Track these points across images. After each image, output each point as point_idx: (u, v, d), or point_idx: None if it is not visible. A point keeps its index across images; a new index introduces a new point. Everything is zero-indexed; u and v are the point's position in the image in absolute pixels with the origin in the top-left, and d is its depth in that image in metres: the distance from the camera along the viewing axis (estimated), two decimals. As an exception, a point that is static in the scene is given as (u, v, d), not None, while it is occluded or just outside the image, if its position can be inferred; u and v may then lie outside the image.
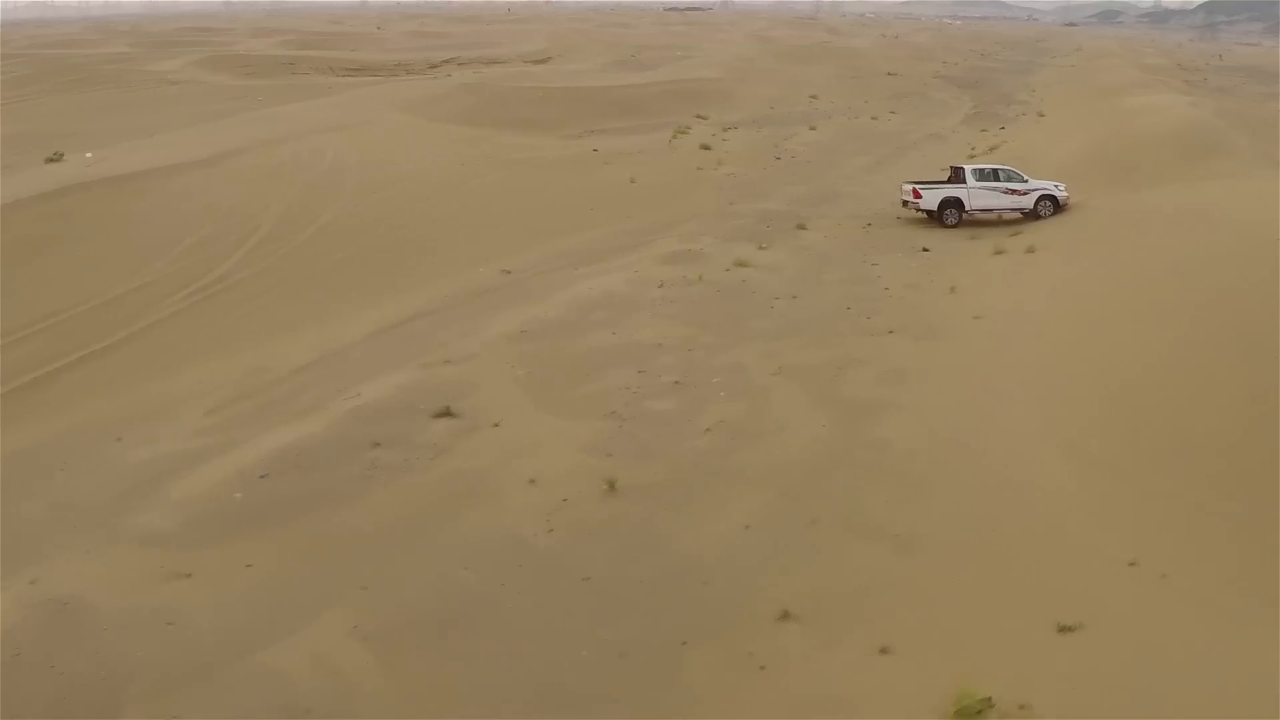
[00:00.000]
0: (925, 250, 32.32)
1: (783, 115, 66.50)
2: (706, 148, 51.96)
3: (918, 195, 35.77)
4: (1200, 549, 14.82)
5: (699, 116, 63.79)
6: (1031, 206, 35.70)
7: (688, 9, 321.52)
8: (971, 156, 49.21)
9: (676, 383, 21.96)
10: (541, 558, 15.24)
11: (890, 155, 51.29)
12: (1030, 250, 30.81)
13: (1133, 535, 15.18)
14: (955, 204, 35.53)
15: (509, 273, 32.05)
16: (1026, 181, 36.00)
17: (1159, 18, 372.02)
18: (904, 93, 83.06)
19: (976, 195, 35.73)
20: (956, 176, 36.33)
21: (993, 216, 35.88)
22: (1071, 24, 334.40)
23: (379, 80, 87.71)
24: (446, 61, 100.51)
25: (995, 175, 36.11)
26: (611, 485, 17.19)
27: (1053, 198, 35.88)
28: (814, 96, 75.50)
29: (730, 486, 17.39)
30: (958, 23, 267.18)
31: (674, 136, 55.33)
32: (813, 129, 60.20)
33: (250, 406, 22.51)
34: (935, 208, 35.64)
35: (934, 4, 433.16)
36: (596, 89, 66.75)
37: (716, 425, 19.72)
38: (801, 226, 35.04)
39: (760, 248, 32.64)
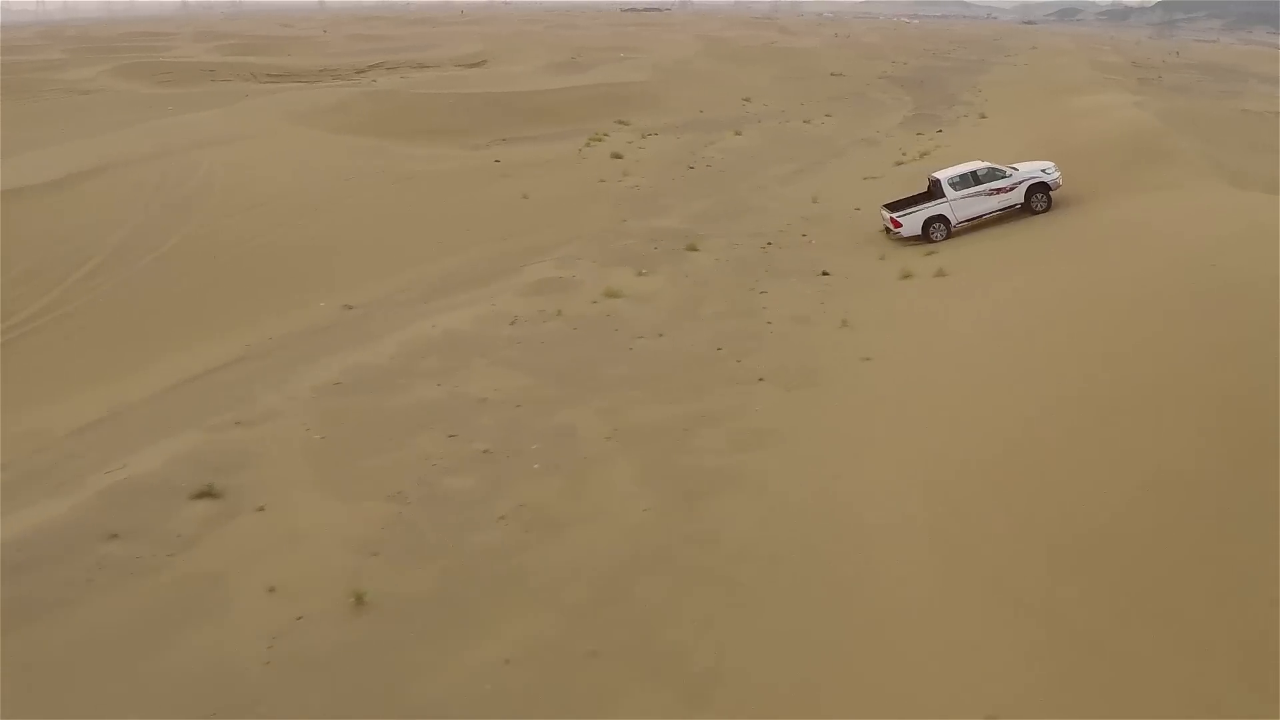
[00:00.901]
0: (825, 274, 28.88)
1: (710, 120, 63.02)
2: (618, 156, 48.49)
3: (897, 225, 32.58)
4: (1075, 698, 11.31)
5: (620, 122, 60.35)
6: (1023, 200, 32.68)
7: (646, 9, 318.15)
8: (899, 164, 45.88)
9: (486, 451, 18.49)
10: (245, 700, 11.92)
11: (814, 163, 47.85)
12: (940, 274, 27.43)
13: (1002, 683, 11.64)
14: (939, 221, 32.44)
15: (351, 308, 28.52)
16: (1010, 175, 32.73)
17: (1118, 15, 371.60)
18: (845, 94, 79.75)
19: (960, 206, 32.63)
20: (934, 190, 33.00)
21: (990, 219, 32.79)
22: (1030, 22, 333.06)
23: (301, 86, 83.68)
24: (374, 66, 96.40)
25: (974, 179, 32.81)
26: (359, 599, 13.82)
27: (1044, 185, 32.66)
28: (747, 99, 72.06)
29: (506, 601, 13.92)
30: (915, 22, 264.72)
31: (587, 145, 51.90)
32: (738, 134, 56.75)
33: (7, 479, 18.94)
34: (920, 231, 32.40)
35: (893, 3, 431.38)
36: (515, 94, 63.07)
37: (515, 511, 16.23)
38: (692, 247, 31.50)
39: (639, 274, 29.15)
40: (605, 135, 54.64)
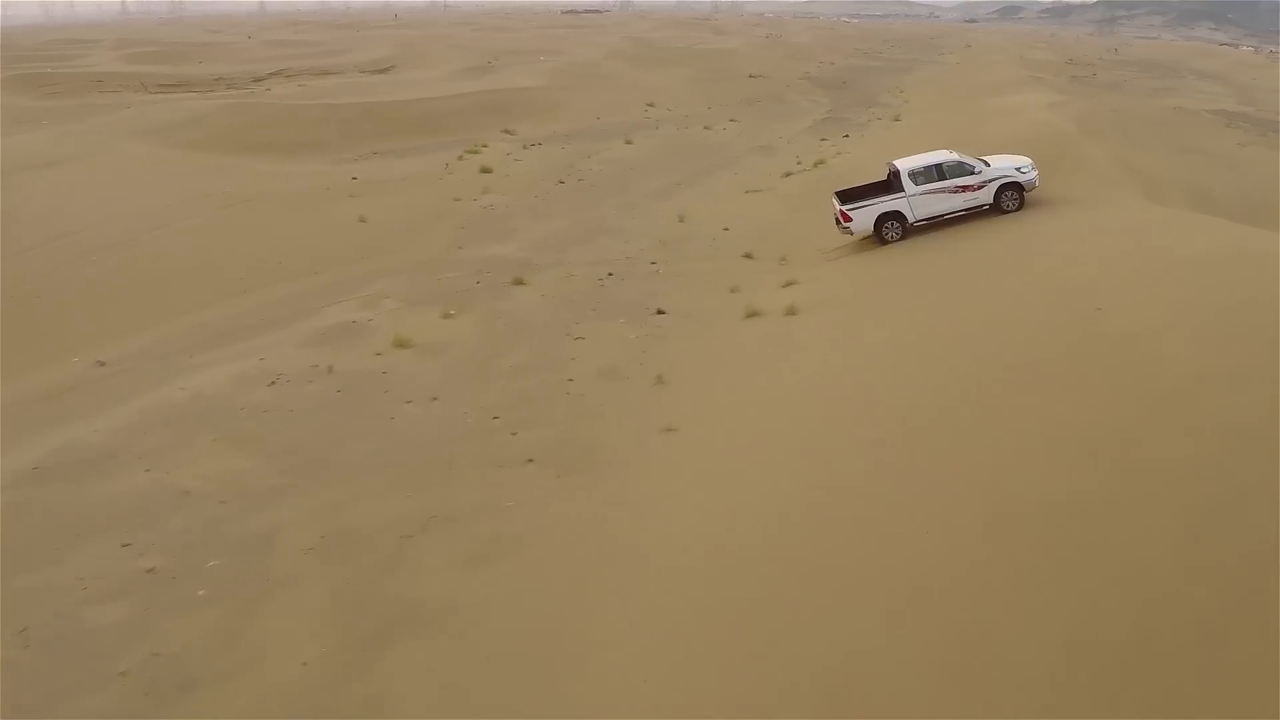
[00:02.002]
0: (660, 313, 24.95)
1: (604, 127, 59.05)
2: (487, 171, 44.38)
3: (847, 219, 28.68)
4: None
5: (506, 131, 56.26)
6: (992, 201, 28.59)
7: (586, 11, 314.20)
8: (787, 175, 42.12)
9: (152, 570, 14.56)
10: None
11: (698, 175, 43.95)
12: (790, 313, 23.56)
13: None
14: (895, 218, 28.62)
15: (104, 364, 24.14)
16: (979, 172, 28.57)
17: (1059, 13, 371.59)
18: (759, 97, 76.07)
19: (920, 203, 28.61)
20: (893, 181, 29.05)
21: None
22: (972, 20, 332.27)
23: (194, 96, 78.79)
24: (274, 74, 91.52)
25: (938, 173, 28.61)
26: None
27: (1017, 185, 28.60)
28: (651, 104, 68.11)
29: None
30: (854, 21, 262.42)
31: (460, 158, 47.70)
32: (629, 143, 52.75)
33: None
34: (871, 230, 28.65)
35: (837, 4, 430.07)
36: (395, 104, 58.74)
37: (144, 664, 12.50)
38: (519, 281, 27.49)
39: (446, 315, 25.11)
40: (484, 146, 50.47)
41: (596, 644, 12.39)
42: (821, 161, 44.10)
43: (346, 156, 49.91)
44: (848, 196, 29.54)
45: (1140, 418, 13.17)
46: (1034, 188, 29.02)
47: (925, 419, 15.49)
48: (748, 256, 29.54)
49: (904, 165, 29.11)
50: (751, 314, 23.89)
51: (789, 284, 26.14)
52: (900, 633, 10.71)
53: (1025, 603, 10.51)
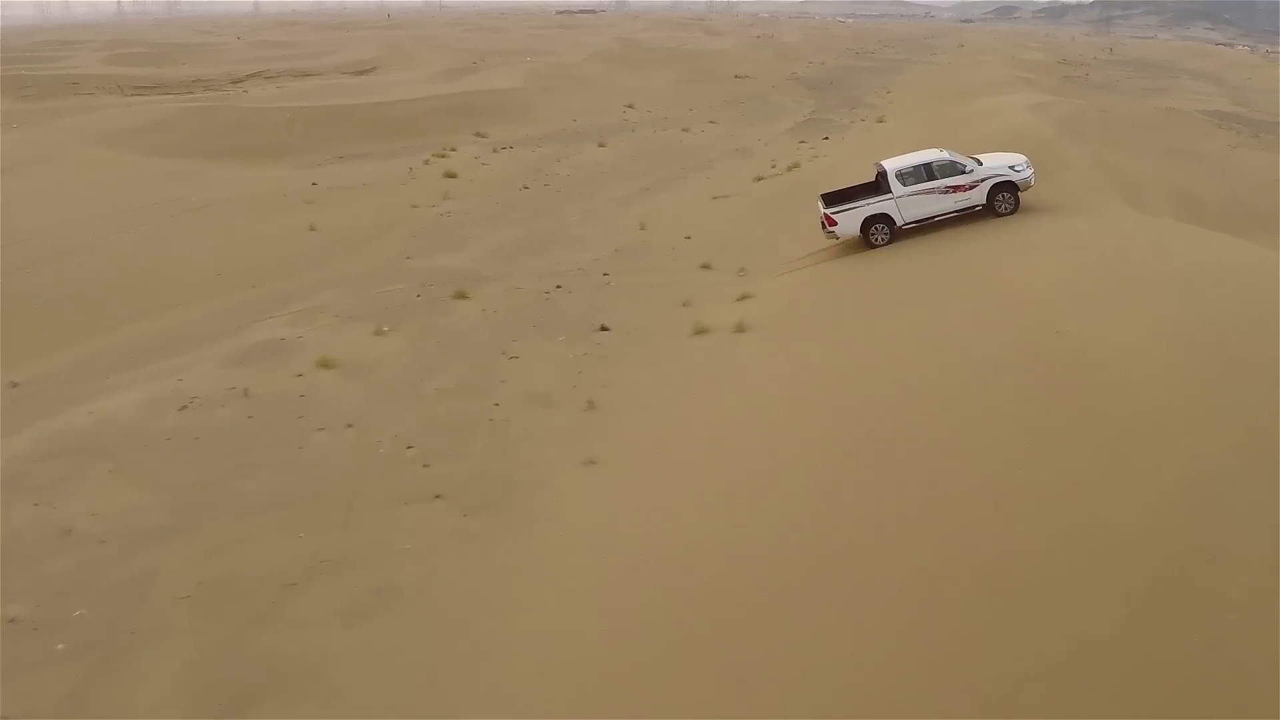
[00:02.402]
0: (604, 330, 23.68)
1: (580, 130, 57.84)
2: (451, 176, 43.16)
3: (832, 223, 27.39)
4: None
5: (479, 135, 55.04)
6: (985, 202, 27.05)
7: (581, 11, 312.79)
8: (759, 180, 40.85)
9: (13, 621, 13.70)
10: None
11: (669, 179, 42.69)
12: (739, 330, 22.28)
13: None
14: (882, 221, 27.23)
15: (16, 385, 22.95)
16: (971, 171, 27.03)
17: (1055, 13, 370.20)
18: (742, 98, 74.86)
19: (908, 205, 27.20)
20: (881, 182, 27.73)
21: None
22: (968, 20, 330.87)
23: (170, 99, 77.44)
24: (253, 76, 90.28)
25: (927, 173, 27.16)
26: None
27: (1010, 185, 27.02)
28: (630, 106, 66.90)
29: None
30: (849, 22, 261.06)
31: (426, 162, 46.50)
32: (602, 146, 51.53)
33: None
34: (858, 232, 27.35)
35: (832, 3, 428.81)
36: (366, 106, 57.48)
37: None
38: (462, 294, 26.21)
39: (378, 332, 23.84)
40: (453, 150, 49.25)
41: (478, 710, 11.20)
42: (796, 165, 42.85)
43: (311, 161, 48.70)
44: (833, 199, 28.22)
45: (1094, 463, 11.95)
46: (1029, 187, 27.60)
47: (859, 460, 14.26)
48: (706, 267, 28.28)
49: (891, 165, 27.73)
50: (699, 331, 22.65)
51: (744, 298, 24.90)
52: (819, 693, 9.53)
53: (941, 685, 9.30)
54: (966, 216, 27.13)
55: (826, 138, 54.06)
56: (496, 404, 19.71)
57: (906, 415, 15.10)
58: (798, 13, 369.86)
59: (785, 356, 19.82)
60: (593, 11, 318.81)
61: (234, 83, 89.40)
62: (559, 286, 27.09)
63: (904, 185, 27.23)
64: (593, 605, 12.67)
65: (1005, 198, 27.20)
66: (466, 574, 13.93)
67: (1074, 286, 18.58)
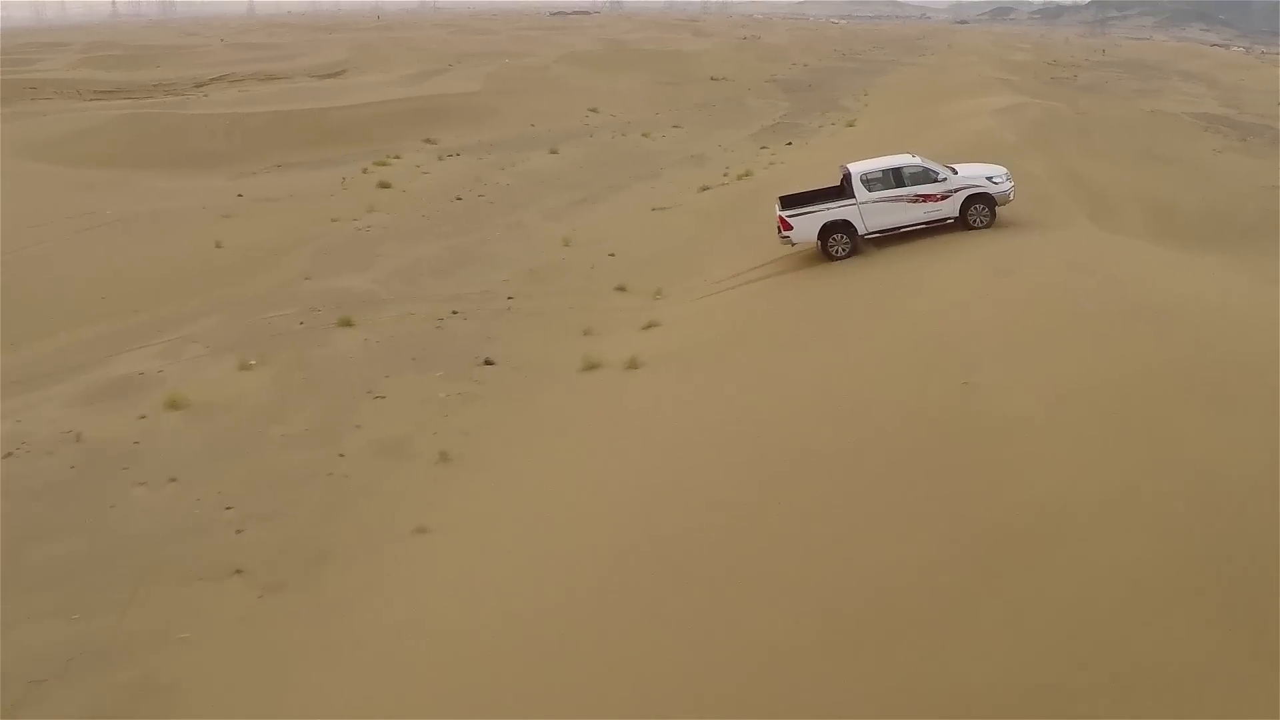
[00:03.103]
0: (488, 364, 21.38)
1: (536, 135, 55.56)
2: (385, 186, 40.89)
3: (787, 227, 25.12)
4: None
5: (428, 141, 52.76)
6: (957, 214, 24.85)
7: (574, 12, 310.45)
8: (704, 189, 38.61)
9: None
10: None
11: (613, 188, 40.43)
12: (631, 367, 19.97)
13: None
14: (843, 229, 24.94)
15: None
16: (945, 179, 24.89)
17: (1051, 14, 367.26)
18: (715, 101, 72.55)
19: (873, 212, 24.94)
20: (845, 186, 25.48)
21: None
22: (963, 21, 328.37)
23: (127, 104, 75.30)
24: (216, 79, 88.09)
25: (896, 178, 24.99)
26: None
27: (986, 198, 24.88)
28: (594, 110, 64.59)
29: None
30: (843, 22, 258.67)
31: (364, 171, 44.18)
32: (553, 153, 49.20)
33: None
34: (815, 239, 25.09)
35: (829, 4, 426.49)
36: (313, 112, 55.25)
37: None
38: (346, 322, 23.96)
39: (244, 366, 21.58)
40: (396, 158, 46.97)
41: None
42: (748, 174, 40.57)
43: (246, 170, 46.48)
44: (792, 202, 25.90)
45: (977, 561, 9.67)
46: (1008, 201, 25.42)
47: (712, 537, 12.00)
48: (621, 289, 26.02)
49: (857, 168, 25.52)
50: (589, 367, 20.37)
51: (649, 326, 22.68)
52: None
53: None
54: (935, 229, 24.84)
55: (790, 143, 51.79)
56: (342, 454, 17.42)
57: (776, 484, 12.86)
58: (793, 14, 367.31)
59: (668, 402, 17.56)
60: (586, 13, 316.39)
61: (197, 86, 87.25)
62: (455, 312, 24.82)
63: (869, 191, 25.03)
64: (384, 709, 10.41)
65: (980, 211, 25.03)
66: (245, 670, 11.67)
67: (997, 324, 16.33)
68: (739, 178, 39.98)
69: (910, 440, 12.67)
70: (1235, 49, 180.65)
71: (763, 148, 50.61)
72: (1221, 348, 13.26)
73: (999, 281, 19.15)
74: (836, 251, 25.21)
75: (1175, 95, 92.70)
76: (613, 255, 29.43)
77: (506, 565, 13.32)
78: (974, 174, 25.57)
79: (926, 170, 25.16)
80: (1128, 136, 48.49)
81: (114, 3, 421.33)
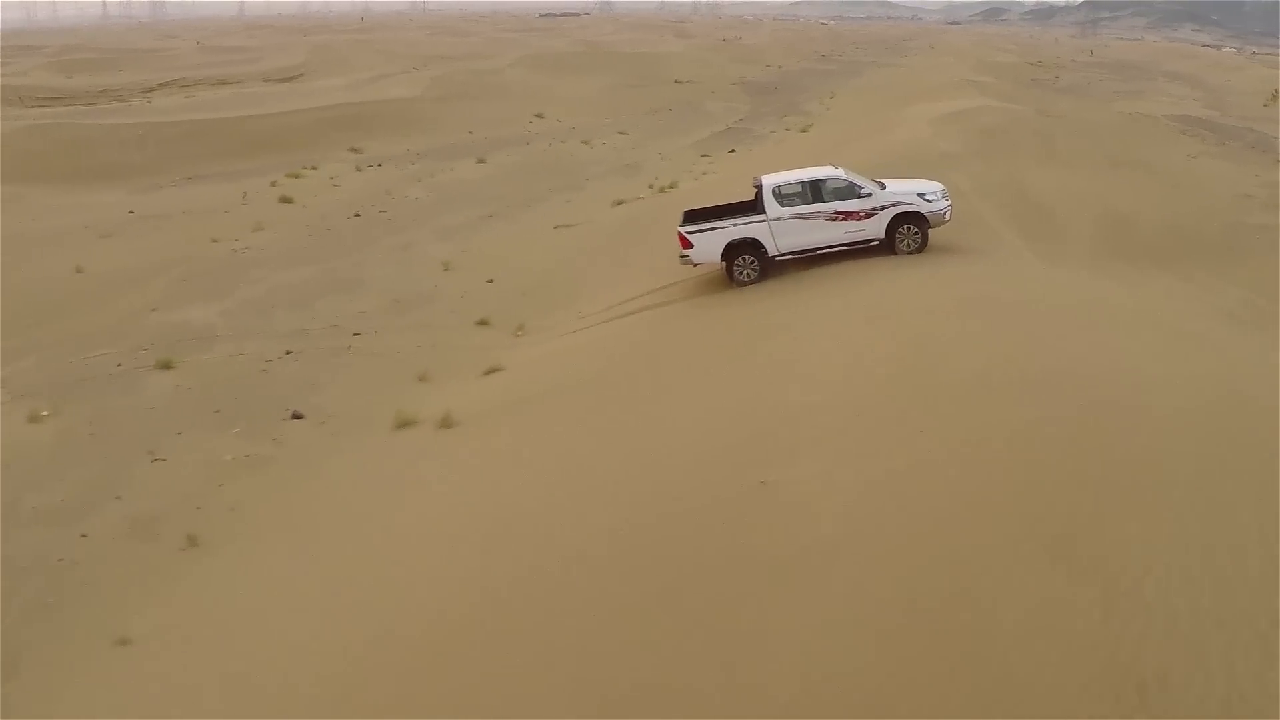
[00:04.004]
0: (296, 418, 18.84)
1: (471, 143, 53.11)
2: (288, 201, 38.46)
3: (686, 244, 22.43)
4: None
5: (353, 150, 50.24)
6: (883, 235, 22.29)
7: (564, 14, 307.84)
8: (618, 204, 36.14)
9: None
10: None
11: (527, 202, 37.94)
12: (445, 426, 17.42)
13: None
14: (750, 248, 22.26)
15: None
16: (869, 196, 22.27)
17: (1043, 14, 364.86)
18: (672, 105, 70.10)
19: (785, 230, 22.26)
20: (757, 200, 22.74)
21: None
22: (954, 22, 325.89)
23: (63, 112, 72.96)
24: (165, 85, 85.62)
25: (814, 193, 22.33)
26: None
27: (918, 217, 22.35)
28: (539, 115, 62.06)
29: None
30: (831, 23, 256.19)
31: (273, 184, 41.70)
32: (481, 162, 46.73)
33: None
34: (719, 260, 22.44)
35: (823, 4, 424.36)
36: (232, 120, 52.65)
37: None
38: (166, 364, 21.43)
39: (35, 418, 19.14)
40: (313, 169, 44.53)
41: None
42: (673, 185, 38.11)
43: (154, 183, 43.94)
44: (699, 216, 23.32)
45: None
46: (942, 222, 22.90)
47: (453, 662, 9.51)
48: (483, 323, 23.54)
49: (770, 180, 22.97)
50: (402, 425, 17.87)
51: (490, 372, 20.17)
52: None
53: None
54: (861, 252, 22.33)
55: (733, 150, 49.39)
56: (84, 535, 14.95)
57: (534, 596, 10.34)
58: (786, 15, 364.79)
59: (455, 478, 15.11)
60: (575, 14, 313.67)
61: (145, 92, 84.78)
62: (289, 352, 22.34)
63: (782, 206, 22.47)
64: None
65: (911, 232, 22.55)
66: None
67: (834, 394, 13.73)
68: (661, 190, 37.53)
69: (667, 574, 10.08)
70: (1227, 49, 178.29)
71: (703, 155, 48.19)
72: (1101, 456, 10.20)
73: (868, 329, 16.65)
74: (743, 275, 22.72)
75: (1158, 97, 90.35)
76: (491, 282, 26.98)
77: (210, 686, 10.88)
78: (904, 190, 22.96)
79: (850, 185, 22.58)
80: (1095, 141, 45.93)
81: (105, 4, 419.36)
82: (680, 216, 23.53)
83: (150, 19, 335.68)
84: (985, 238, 25.28)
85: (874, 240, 22.60)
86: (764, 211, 22.39)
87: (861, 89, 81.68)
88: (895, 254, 22.50)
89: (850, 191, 22.45)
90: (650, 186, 38.64)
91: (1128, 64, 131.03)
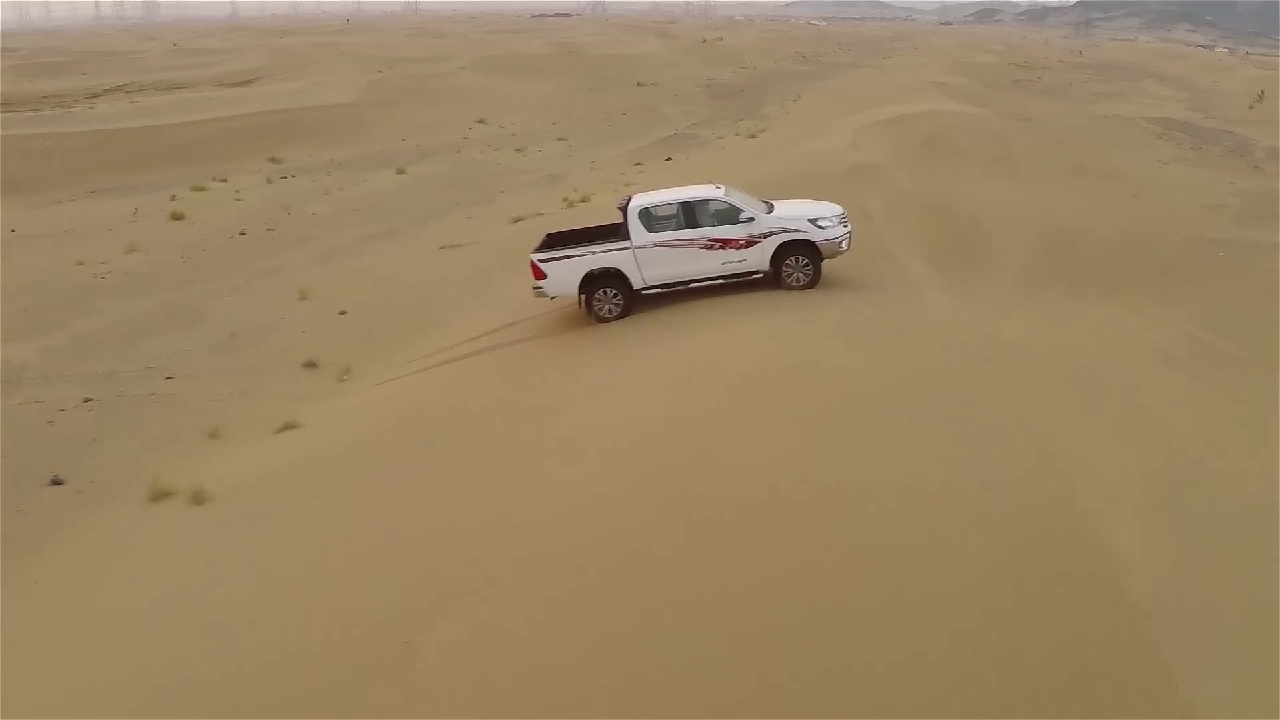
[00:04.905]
0: (55, 484, 16.33)
1: (403, 151, 50.67)
2: (179, 217, 36.03)
3: (539, 274, 19.73)
4: None
5: (272, 160, 47.72)
6: (768, 266, 19.66)
7: (555, 15, 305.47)
8: (517, 221, 33.55)
9: None
10: None
11: (426, 219, 35.33)
12: (197, 502, 14.89)
13: None
14: (615, 279, 19.56)
15: None
16: (753, 220, 19.49)
17: (1036, 15, 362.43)
18: (626, 109, 67.57)
19: (653, 260, 19.53)
20: (623, 225, 19.91)
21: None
22: (947, 23, 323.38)
23: (18, 118, 70.54)
24: (114, 89, 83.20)
25: (689, 216, 19.64)
26: None
27: (809, 247, 19.63)
28: (481, 121, 59.50)
29: None
30: (821, 24, 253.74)
31: (173, 198, 39.21)
32: (400, 172, 44.22)
33: None
34: (575, 293, 19.86)
35: (818, 4, 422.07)
36: (144, 130, 50.11)
37: None
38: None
39: None
40: (222, 181, 42.13)
41: None
42: (586, 199, 35.57)
43: (53, 199, 41.47)
44: (561, 241, 20.75)
45: None
46: (838, 253, 20.26)
47: None
48: (310, 366, 20.99)
49: (639, 202, 20.19)
50: (158, 496, 15.29)
51: (284, 429, 17.62)
52: None
53: None
54: (746, 285, 19.76)
55: (669, 159, 46.79)
56: None
57: None
58: (778, 15, 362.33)
59: (168, 578, 12.46)
60: (566, 15, 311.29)
61: (90, 97, 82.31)
62: (89, 400, 19.83)
63: (650, 231, 19.71)
64: None
65: (799, 264, 19.90)
66: None
67: (567, 508, 11.08)
68: (572, 204, 34.97)
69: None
70: (1220, 50, 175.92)
71: (636, 164, 45.55)
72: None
73: (667, 396, 14.06)
74: (603, 311, 20.06)
75: (1141, 98, 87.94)
76: (344, 314, 24.43)
77: None
78: (793, 215, 20.17)
79: (731, 207, 19.82)
80: (1058, 147, 43.20)
81: (98, 5, 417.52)
82: (540, 240, 20.93)
83: (143, 20, 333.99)
84: (885, 267, 22.76)
85: (757, 273, 19.97)
86: (628, 237, 19.70)
87: (829, 91, 79.26)
88: (782, 288, 19.94)
89: (730, 215, 19.77)
90: (565, 200, 36.04)
91: (1115, 65, 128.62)
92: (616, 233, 20.09)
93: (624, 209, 19.92)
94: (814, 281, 19.90)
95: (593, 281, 19.66)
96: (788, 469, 10.57)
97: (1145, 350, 19.49)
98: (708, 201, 19.79)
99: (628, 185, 39.00)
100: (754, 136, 53.80)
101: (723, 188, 20.36)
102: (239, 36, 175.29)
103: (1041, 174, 35.43)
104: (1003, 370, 15.24)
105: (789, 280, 19.74)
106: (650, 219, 19.53)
